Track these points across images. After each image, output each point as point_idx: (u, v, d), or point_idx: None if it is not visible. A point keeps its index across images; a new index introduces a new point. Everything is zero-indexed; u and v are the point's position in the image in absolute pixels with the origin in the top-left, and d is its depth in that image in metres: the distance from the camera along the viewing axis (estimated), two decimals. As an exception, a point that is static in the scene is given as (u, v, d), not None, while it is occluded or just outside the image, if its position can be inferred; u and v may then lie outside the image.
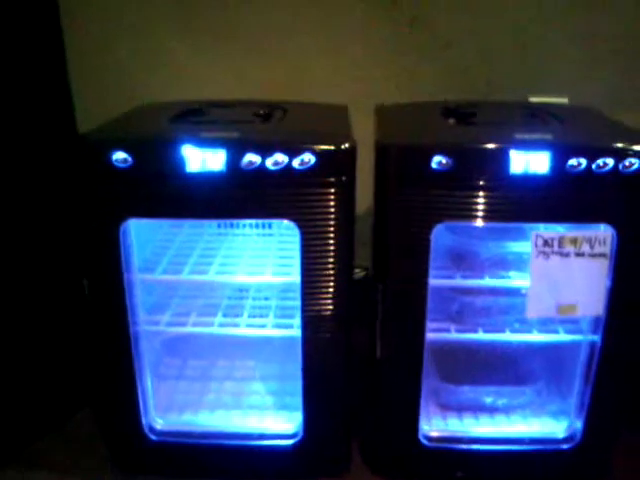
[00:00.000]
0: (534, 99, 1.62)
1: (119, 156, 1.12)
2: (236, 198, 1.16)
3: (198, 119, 1.29)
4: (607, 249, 1.17)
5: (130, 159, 1.12)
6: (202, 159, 1.12)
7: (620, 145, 1.13)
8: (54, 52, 1.54)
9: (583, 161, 1.11)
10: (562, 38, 1.70)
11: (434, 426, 1.40)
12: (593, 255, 1.18)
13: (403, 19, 1.70)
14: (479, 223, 1.17)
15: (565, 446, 1.34)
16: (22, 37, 1.40)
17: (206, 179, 1.13)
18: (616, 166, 1.11)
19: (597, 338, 1.26)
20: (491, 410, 1.45)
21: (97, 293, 1.23)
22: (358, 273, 1.65)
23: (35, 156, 1.44)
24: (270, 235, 1.55)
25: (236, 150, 1.12)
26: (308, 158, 1.12)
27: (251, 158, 1.11)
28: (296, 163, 1.12)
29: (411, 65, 1.74)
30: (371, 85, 1.73)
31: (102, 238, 1.18)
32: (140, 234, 1.27)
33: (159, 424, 1.38)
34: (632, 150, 1.12)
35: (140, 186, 1.14)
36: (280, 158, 1.12)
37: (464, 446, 1.37)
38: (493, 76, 1.73)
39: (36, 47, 1.46)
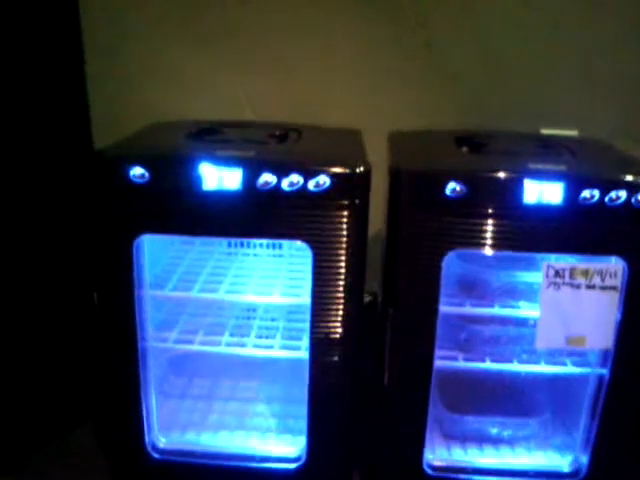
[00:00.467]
0: (545, 131, 1.63)
1: (137, 172, 1.13)
2: (251, 217, 1.17)
3: (215, 138, 1.31)
4: (618, 282, 1.18)
5: (147, 175, 1.13)
6: (219, 177, 1.13)
7: (633, 178, 1.14)
8: (73, 68, 1.57)
9: (596, 193, 1.12)
10: (573, 71, 1.73)
11: (438, 455, 1.39)
12: (604, 287, 1.18)
13: (416, 45, 1.73)
14: (491, 251, 1.17)
15: (570, 481, 1.33)
16: (42, 52, 1.43)
17: (222, 197, 1.14)
18: (629, 199, 1.12)
19: (605, 372, 1.25)
20: (495, 441, 1.44)
21: (107, 307, 1.23)
22: (365, 298, 1.65)
23: (50, 170, 1.45)
24: (280, 256, 1.55)
25: (252, 169, 1.13)
26: (323, 180, 1.13)
27: (267, 178, 1.13)
28: (311, 185, 1.13)
29: (423, 92, 1.75)
30: (382, 111, 1.74)
31: (115, 253, 1.19)
32: (152, 250, 1.28)
33: (162, 442, 1.37)
34: (645, 184, 1.13)
35: (156, 202, 1.16)
36: (296, 179, 1.13)
37: (467, 477, 1.35)
38: (504, 105, 1.75)
39: (56, 62, 1.48)
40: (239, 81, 1.76)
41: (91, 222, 1.20)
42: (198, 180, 1.13)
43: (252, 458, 1.36)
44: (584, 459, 1.32)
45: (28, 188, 1.41)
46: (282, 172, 1.12)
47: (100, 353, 1.27)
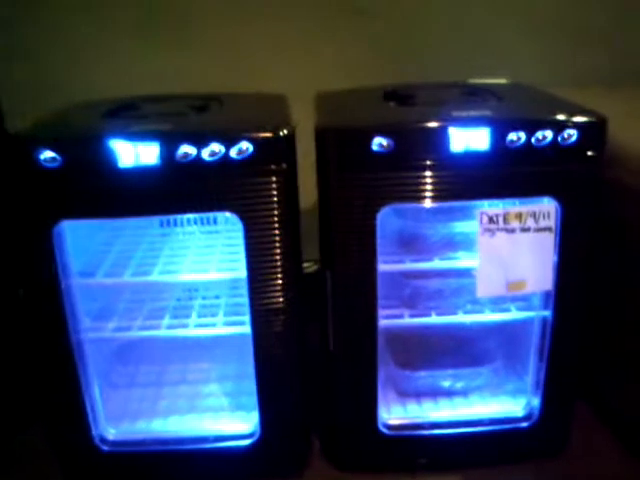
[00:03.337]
0: (473, 81, 1.62)
1: (47, 155, 1.07)
2: (173, 192, 1.12)
3: (131, 114, 1.25)
4: (552, 222, 1.17)
5: (59, 158, 1.07)
6: (135, 153, 1.07)
7: (558, 117, 1.13)
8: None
9: (522, 135, 1.11)
10: (501, 16, 1.72)
11: (393, 414, 1.38)
12: (538, 229, 1.18)
13: (342, 8, 1.69)
14: (423, 204, 1.16)
15: (524, 424, 1.34)
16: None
17: (140, 174, 1.09)
18: (555, 138, 1.12)
19: (548, 314, 1.26)
20: (449, 394, 1.44)
21: (33, 301, 1.17)
22: (309, 267, 1.62)
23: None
24: (216, 232, 1.51)
25: (169, 142, 1.08)
26: (245, 146, 1.09)
27: (186, 150, 1.08)
28: (233, 152, 1.09)
29: (350, 52, 1.73)
30: (311, 75, 1.71)
31: (34, 242, 1.12)
32: (78, 237, 1.23)
33: (111, 434, 1.33)
34: (570, 122, 1.12)
35: (71, 185, 1.10)
36: (216, 148, 1.08)
37: (425, 432, 1.36)
38: (433, 58, 1.74)
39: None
40: (165, 55, 1.71)
41: (7, 213, 1.13)
42: (113, 158, 1.07)
43: (206, 439, 1.33)
44: (536, 402, 1.33)
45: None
46: (201, 142, 1.08)
47: (33, 350, 1.22)
